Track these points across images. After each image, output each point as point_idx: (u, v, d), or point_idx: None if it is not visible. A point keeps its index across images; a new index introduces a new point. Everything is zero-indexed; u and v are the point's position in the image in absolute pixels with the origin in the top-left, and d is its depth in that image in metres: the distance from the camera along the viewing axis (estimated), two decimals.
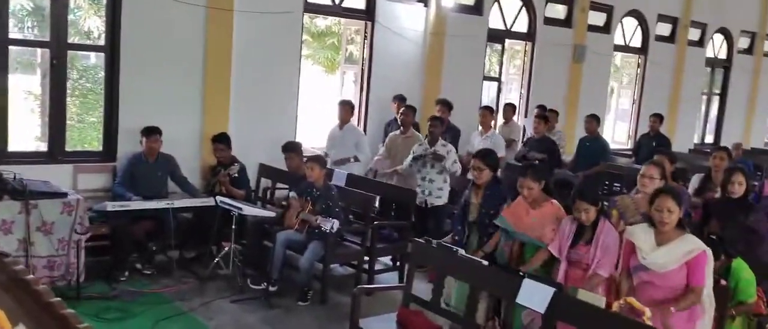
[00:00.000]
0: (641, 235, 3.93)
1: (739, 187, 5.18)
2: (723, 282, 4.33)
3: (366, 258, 6.36)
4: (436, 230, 6.65)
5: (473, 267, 4.30)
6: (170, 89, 7.14)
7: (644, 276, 3.88)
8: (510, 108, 9.77)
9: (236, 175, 6.68)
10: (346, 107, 7.73)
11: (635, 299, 3.73)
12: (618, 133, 13.93)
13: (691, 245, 3.78)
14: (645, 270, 3.86)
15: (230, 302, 5.74)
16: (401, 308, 4.55)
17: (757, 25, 14.94)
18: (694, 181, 6.26)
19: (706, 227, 5.20)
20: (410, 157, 7.05)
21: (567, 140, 10.22)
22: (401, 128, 7.65)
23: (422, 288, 4.97)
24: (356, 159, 7.62)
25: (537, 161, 7.33)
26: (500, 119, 9.83)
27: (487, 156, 5.08)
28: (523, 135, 10.17)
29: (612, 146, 12.61)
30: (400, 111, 7.70)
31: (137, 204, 6.03)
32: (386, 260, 6.93)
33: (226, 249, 6.17)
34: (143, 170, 6.50)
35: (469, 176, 5.16)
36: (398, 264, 6.73)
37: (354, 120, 8.27)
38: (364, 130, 8.85)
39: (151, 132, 6.49)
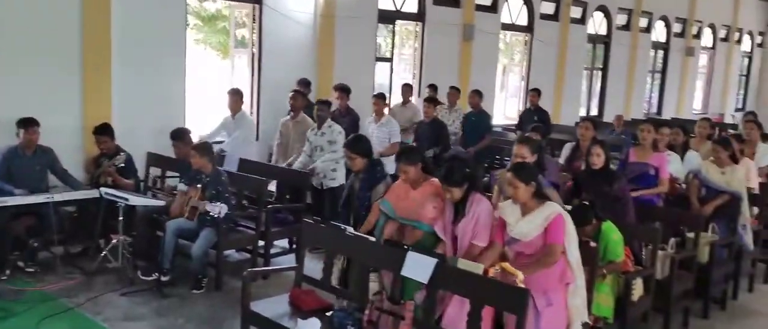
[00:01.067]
0: (508, 209, 4.15)
1: (597, 158, 5.49)
2: (593, 244, 4.63)
3: (262, 243, 6.36)
4: (332, 211, 6.70)
5: (360, 244, 4.40)
6: (47, 77, 6.84)
7: (516, 247, 4.11)
8: (408, 89, 9.86)
9: (122, 165, 6.48)
10: (235, 97, 7.58)
11: (516, 268, 3.95)
12: (509, 109, 14.45)
13: (548, 210, 4.03)
14: (516, 241, 4.08)
15: (120, 295, 5.60)
16: (293, 288, 4.59)
17: (633, 3, 15.83)
18: (565, 151, 6.61)
19: (578, 196, 5.51)
20: (308, 146, 7.08)
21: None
22: (291, 113, 7.61)
23: (315, 268, 5.04)
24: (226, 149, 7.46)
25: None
26: (398, 99, 9.96)
27: (355, 145, 5.13)
28: None
29: (505, 121, 13.14)
30: (289, 96, 7.64)
31: (15, 199, 5.75)
32: (284, 243, 6.95)
33: (114, 241, 5.99)
34: (20, 164, 6.19)
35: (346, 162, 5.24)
36: (295, 246, 6.75)
37: (246, 107, 8.15)
38: (258, 115, 8.78)
39: (29, 123, 6.18)
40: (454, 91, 9.77)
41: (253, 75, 8.98)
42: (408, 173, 4.48)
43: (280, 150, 7.70)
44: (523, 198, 4.06)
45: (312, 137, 7.10)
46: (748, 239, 6.27)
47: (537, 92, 10.56)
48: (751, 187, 6.70)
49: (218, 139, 7.55)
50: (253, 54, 8.96)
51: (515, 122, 13.51)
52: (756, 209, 6.78)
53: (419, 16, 11.12)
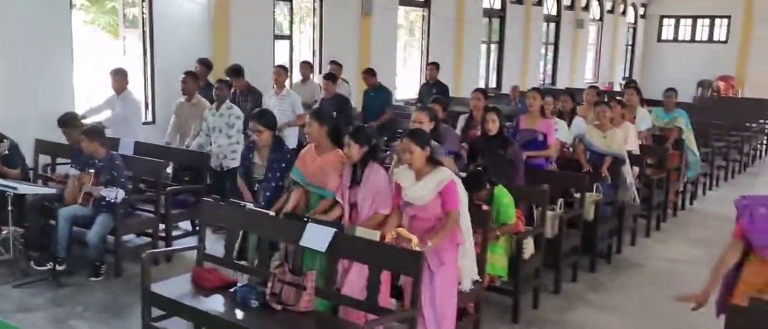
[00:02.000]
0: (403, 174, 4.30)
1: (492, 125, 5.77)
2: (486, 208, 4.86)
3: (163, 226, 6.26)
4: (233, 191, 6.65)
5: (260, 219, 4.44)
6: None
7: (410, 211, 4.25)
8: (307, 66, 9.82)
9: (6, 153, 6.18)
10: (118, 76, 7.31)
11: (411, 231, 4.11)
12: (412, 84, 14.67)
13: (441, 176, 4.18)
14: (410, 205, 4.23)
15: (13, 287, 5.40)
16: (195, 267, 4.58)
17: None
18: (460, 121, 6.86)
19: (475, 162, 5.76)
20: (205, 126, 6.98)
21: (357, 92, 10.57)
22: (185, 95, 7.46)
23: (218, 247, 5.03)
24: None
25: None
26: (297, 78, 9.94)
27: (262, 117, 5.15)
28: None
29: (407, 96, 13.35)
30: (181, 79, 7.46)
31: None
32: (187, 225, 6.87)
33: (5, 232, 5.73)
34: None
35: (253, 137, 5.19)
36: (197, 228, 6.68)
37: (139, 89, 7.93)
38: (152, 96, 8.55)
39: None
40: (335, 66, 9.76)
41: (145, 56, 8.71)
42: (312, 128, 4.60)
43: (175, 132, 7.55)
44: (418, 163, 4.19)
45: (210, 118, 7.02)
46: (633, 190, 6.75)
47: (436, 66, 10.80)
48: (631, 149, 7.18)
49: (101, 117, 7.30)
50: (144, 34, 8.69)
51: (417, 96, 13.81)
52: (637, 169, 7.27)
53: None
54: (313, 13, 11.36)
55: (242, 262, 4.63)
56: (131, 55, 8.88)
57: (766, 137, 14.00)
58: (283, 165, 5.02)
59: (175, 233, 6.53)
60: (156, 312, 4.34)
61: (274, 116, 5.29)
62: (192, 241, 6.50)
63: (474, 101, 6.78)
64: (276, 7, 10.56)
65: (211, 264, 4.66)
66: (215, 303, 4.22)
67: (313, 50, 11.45)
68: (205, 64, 8.43)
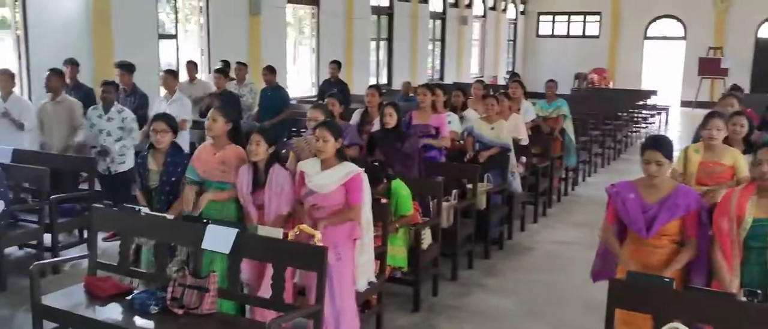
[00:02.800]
0: (309, 164, 4.35)
1: (390, 118, 5.91)
2: (384, 201, 4.97)
3: (49, 236, 5.96)
4: (124, 196, 6.44)
5: (157, 223, 4.33)
6: None
7: (311, 200, 4.29)
8: (192, 66, 9.64)
9: None
10: (4, 77, 6.89)
11: (308, 224, 4.15)
12: (303, 82, 14.66)
13: (348, 168, 4.28)
14: (312, 193, 4.28)
15: None
16: (87, 276, 4.40)
17: None
18: (355, 116, 6.95)
19: (372, 155, 5.87)
20: (87, 124, 6.69)
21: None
22: (49, 93, 7.07)
23: (113, 253, 4.86)
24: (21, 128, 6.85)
25: None
26: (184, 77, 9.70)
27: (168, 118, 5.05)
28: None
29: (299, 94, 13.32)
30: (45, 76, 7.06)
31: None
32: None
33: None
34: None
35: (152, 140, 5.04)
36: (87, 236, 6.41)
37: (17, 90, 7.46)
38: (30, 100, 8.07)
39: None
40: (242, 66, 9.73)
41: (19, 59, 8.23)
42: (216, 123, 4.55)
43: (41, 136, 7.12)
44: (329, 152, 4.24)
45: (95, 119, 6.72)
46: (517, 184, 7.08)
47: (337, 64, 10.84)
48: (519, 139, 7.54)
49: None
50: (18, 36, 8.19)
51: (309, 94, 13.80)
52: (524, 158, 7.64)
53: None
54: (200, 12, 11.11)
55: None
56: (4, 59, 8.34)
57: (635, 125, 15.03)
58: (179, 170, 4.91)
59: (62, 242, 6.23)
60: (48, 325, 4.14)
61: (175, 119, 5.17)
62: (81, 250, 6.25)
63: (369, 98, 6.90)
64: (159, 6, 10.25)
65: (105, 272, 4.50)
66: (112, 312, 4.07)
67: (201, 49, 11.20)
68: (74, 64, 8.04)
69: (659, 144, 3.68)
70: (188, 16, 11.71)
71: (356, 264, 4.34)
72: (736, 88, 9.45)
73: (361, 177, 4.27)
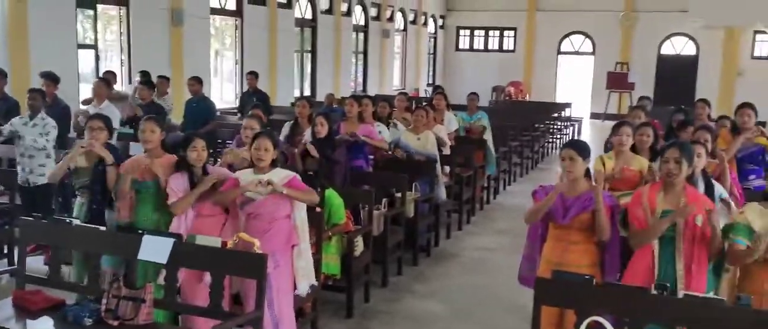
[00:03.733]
0: (245, 174, 4.42)
1: (322, 128, 6.07)
2: (318, 210, 5.09)
3: None
4: (45, 209, 6.25)
5: (90, 234, 4.28)
6: None
7: (249, 209, 4.36)
8: (111, 76, 9.47)
9: None
10: None
11: (247, 233, 4.22)
12: (226, 93, 14.53)
13: (284, 172, 4.42)
14: (249, 202, 4.34)
15: None
16: (15, 291, 4.30)
17: None
18: (285, 128, 7.03)
19: (304, 163, 5.98)
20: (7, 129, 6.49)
21: (175, 103, 10.36)
22: None
23: (37, 267, 4.75)
24: None
25: None
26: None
27: (102, 117, 5.02)
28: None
29: (222, 105, 13.21)
30: None
31: None
32: None
33: None
34: None
35: (83, 143, 4.96)
36: (7, 249, 6.20)
37: None
38: None
39: None
40: (163, 80, 9.60)
41: None
42: (154, 134, 4.57)
43: None
44: (268, 160, 4.34)
45: (19, 126, 6.51)
46: (442, 192, 7.33)
47: (255, 75, 10.87)
48: (443, 148, 7.80)
49: None
50: None
51: (232, 105, 13.71)
52: (448, 168, 7.91)
53: (122, 1, 10.66)
54: (120, 22, 10.89)
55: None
56: None
57: (551, 136, 15.70)
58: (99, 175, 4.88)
59: None
60: None
61: (111, 120, 5.13)
62: (2, 264, 6.05)
63: (299, 109, 7.00)
64: (79, 15, 10.00)
65: (34, 286, 4.40)
66: (44, 326, 3.98)
67: (121, 60, 10.97)
68: (2, 75, 7.79)
69: (573, 144, 4.18)
70: (108, 25, 11.44)
71: (296, 268, 4.42)
72: (646, 99, 10.02)
73: (298, 178, 4.40)
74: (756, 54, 21.54)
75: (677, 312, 3.32)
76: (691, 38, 21.86)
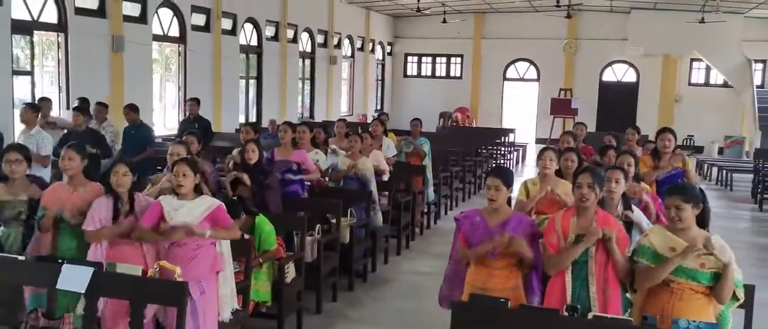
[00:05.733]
0: (168, 200, 4.42)
1: (252, 154, 6.11)
2: (247, 237, 5.10)
3: None
4: None
5: (8, 264, 4.21)
6: None
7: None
8: (47, 103, 9.32)
9: None
10: None
11: (172, 260, 4.20)
12: (170, 120, 14.39)
13: (208, 201, 4.42)
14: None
15: None
16: None
17: (279, 15, 16.97)
18: (235, 155, 6.98)
19: (235, 190, 5.98)
20: None
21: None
22: None
23: None
24: None
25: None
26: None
27: (19, 147, 4.94)
28: None
29: (165, 132, 13.07)
30: None
31: None
32: None
33: None
34: None
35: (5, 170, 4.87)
36: None
37: None
38: None
39: None
40: (101, 107, 9.47)
41: None
42: (73, 161, 4.52)
43: None
44: (189, 188, 4.34)
45: None
46: (378, 218, 7.40)
47: (196, 102, 10.80)
48: (381, 173, 7.89)
49: None
50: None
51: (176, 132, 13.58)
52: (387, 193, 8.00)
53: (61, 27, 10.53)
54: (58, 48, 10.74)
55: None
56: None
57: (494, 161, 15.97)
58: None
59: None
60: None
61: (29, 149, 5.04)
62: None
63: (244, 135, 7.12)
64: (14, 40, 9.84)
65: None
66: None
67: (59, 86, 10.80)
68: None
69: (498, 173, 4.24)
70: (46, 51, 11.27)
71: (220, 294, 4.42)
72: (581, 125, 10.29)
73: (223, 208, 4.40)
74: (693, 81, 22.40)
75: None
76: (632, 65, 22.64)
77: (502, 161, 16.47)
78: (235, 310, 4.61)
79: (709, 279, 3.57)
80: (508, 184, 4.19)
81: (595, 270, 3.90)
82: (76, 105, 9.00)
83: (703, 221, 3.73)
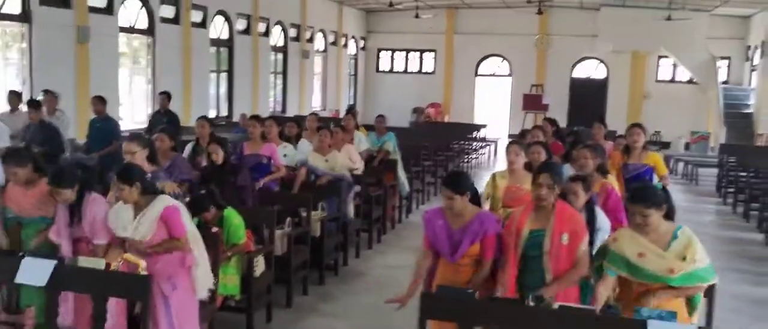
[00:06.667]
0: (123, 212, 4.23)
1: (217, 156, 6.04)
2: (216, 230, 5.03)
3: None
4: None
5: None
6: None
7: (139, 246, 4.17)
8: (15, 96, 9.11)
9: None
10: None
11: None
12: (138, 113, 14.18)
13: (158, 205, 4.18)
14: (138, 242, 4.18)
15: None
16: None
17: (251, 8, 16.81)
18: (187, 149, 6.94)
19: (206, 186, 5.90)
20: None
21: (78, 121, 10.05)
22: None
23: None
24: None
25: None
26: (4, 107, 9.12)
27: None
28: None
29: (132, 126, 12.87)
30: None
31: None
32: None
33: None
34: None
35: None
36: None
37: None
38: None
39: None
40: (51, 97, 9.12)
41: None
42: (17, 175, 4.38)
43: None
44: (134, 198, 4.16)
45: None
46: (349, 211, 7.37)
47: (167, 95, 10.65)
48: (354, 168, 7.86)
49: None
50: None
51: (143, 125, 13.38)
52: (358, 187, 7.96)
53: (24, 17, 10.30)
54: (22, 39, 10.50)
55: None
56: None
57: (467, 156, 16.03)
58: None
59: None
60: None
61: None
62: None
63: (199, 129, 6.94)
64: None
65: None
66: None
67: (23, 78, 10.57)
68: None
69: (447, 182, 4.14)
70: (9, 43, 11.02)
71: (194, 278, 4.30)
72: (548, 120, 10.38)
73: (175, 209, 4.21)
74: (660, 78, 22.71)
75: (552, 322, 3.45)
76: (602, 62, 22.87)
77: (474, 156, 16.52)
78: (210, 289, 4.51)
79: (680, 280, 3.59)
80: (461, 191, 4.05)
81: (551, 265, 3.90)
82: (29, 99, 8.81)
83: (668, 218, 3.75)
